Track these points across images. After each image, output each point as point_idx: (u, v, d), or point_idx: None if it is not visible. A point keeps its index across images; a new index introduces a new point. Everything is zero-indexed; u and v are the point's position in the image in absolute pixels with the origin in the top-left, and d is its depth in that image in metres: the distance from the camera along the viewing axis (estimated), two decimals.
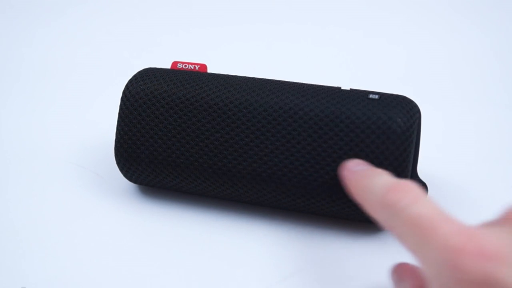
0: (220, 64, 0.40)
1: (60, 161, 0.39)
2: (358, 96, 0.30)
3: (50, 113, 0.45)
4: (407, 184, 0.25)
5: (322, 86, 0.32)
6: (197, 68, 0.35)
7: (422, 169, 0.34)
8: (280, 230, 0.33)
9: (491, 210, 0.25)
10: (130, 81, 0.34)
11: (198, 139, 0.32)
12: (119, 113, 0.33)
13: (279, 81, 0.33)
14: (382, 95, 0.31)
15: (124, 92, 0.34)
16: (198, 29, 0.58)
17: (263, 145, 0.31)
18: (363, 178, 0.27)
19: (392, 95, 0.31)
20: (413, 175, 0.31)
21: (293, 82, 0.33)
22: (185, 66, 0.35)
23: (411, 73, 0.50)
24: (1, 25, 0.59)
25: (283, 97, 0.31)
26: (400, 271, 0.27)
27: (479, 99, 0.46)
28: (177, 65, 0.35)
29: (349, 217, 0.31)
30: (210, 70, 0.35)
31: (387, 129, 0.29)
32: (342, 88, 0.31)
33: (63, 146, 0.41)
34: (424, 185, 0.32)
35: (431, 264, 0.21)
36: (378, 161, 0.29)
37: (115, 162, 0.37)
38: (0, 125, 0.44)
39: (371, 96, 0.30)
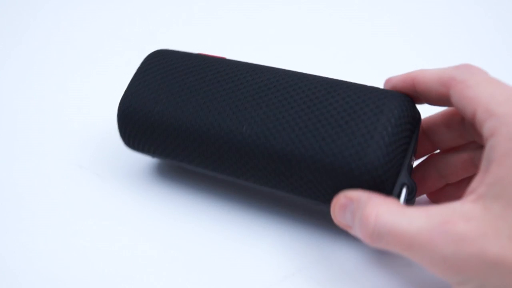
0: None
1: (60, 160, 0.39)
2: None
3: (49, 113, 0.45)
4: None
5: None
6: None
7: None
8: (280, 230, 0.33)
9: None
10: (151, 53, 0.35)
11: (212, 103, 0.32)
12: (136, 72, 0.34)
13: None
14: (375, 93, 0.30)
15: (146, 58, 0.35)
16: (199, 21, 0.58)
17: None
18: None
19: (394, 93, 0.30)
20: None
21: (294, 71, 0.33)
22: None
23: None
24: None
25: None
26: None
27: None
28: None
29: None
30: None
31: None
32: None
33: (62, 146, 0.41)
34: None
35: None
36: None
37: (115, 162, 0.37)
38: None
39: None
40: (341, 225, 0.28)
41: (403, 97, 0.29)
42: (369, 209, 0.25)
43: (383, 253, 0.31)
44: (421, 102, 0.30)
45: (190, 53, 0.35)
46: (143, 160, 0.39)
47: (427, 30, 0.54)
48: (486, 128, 0.24)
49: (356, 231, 0.26)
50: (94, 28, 0.58)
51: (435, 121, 0.31)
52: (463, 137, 0.31)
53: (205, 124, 0.31)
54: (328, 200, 0.29)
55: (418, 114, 0.30)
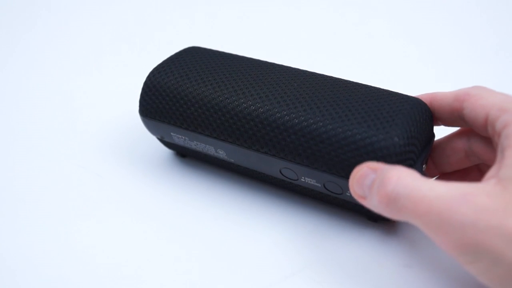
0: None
1: (60, 161, 0.39)
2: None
3: (50, 112, 0.45)
4: None
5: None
6: None
7: None
8: (282, 229, 0.33)
9: None
10: (187, 47, 0.37)
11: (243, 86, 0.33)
12: (171, 56, 0.36)
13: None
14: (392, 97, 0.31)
15: (182, 49, 0.37)
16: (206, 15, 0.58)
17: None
18: None
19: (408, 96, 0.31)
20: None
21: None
22: None
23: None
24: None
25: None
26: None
27: None
28: None
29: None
30: None
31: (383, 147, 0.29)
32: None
33: (63, 146, 0.41)
34: None
35: None
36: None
37: (115, 162, 0.37)
38: (0, 123, 0.44)
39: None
40: (355, 195, 0.28)
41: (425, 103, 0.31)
42: (393, 172, 0.26)
43: (383, 253, 0.31)
44: (435, 123, 0.32)
45: (223, 52, 0.38)
46: (144, 160, 0.39)
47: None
48: (499, 122, 0.26)
49: (371, 198, 0.27)
50: (95, 29, 0.58)
51: (440, 144, 0.33)
52: (469, 159, 0.32)
53: (231, 96, 0.32)
54: (339, 172, 0.30)
55: (433, 131, 0.32)
